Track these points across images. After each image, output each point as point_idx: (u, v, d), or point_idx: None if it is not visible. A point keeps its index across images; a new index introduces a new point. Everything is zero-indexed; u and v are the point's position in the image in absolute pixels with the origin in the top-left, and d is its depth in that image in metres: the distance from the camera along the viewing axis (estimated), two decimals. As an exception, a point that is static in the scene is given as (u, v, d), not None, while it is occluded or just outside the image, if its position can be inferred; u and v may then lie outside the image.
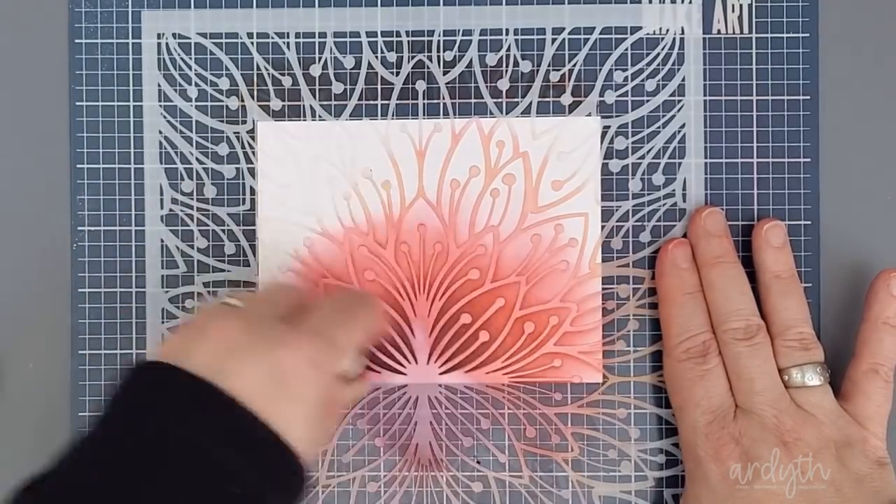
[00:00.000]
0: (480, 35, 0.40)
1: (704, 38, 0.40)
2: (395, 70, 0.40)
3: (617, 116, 0.40)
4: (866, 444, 0.36)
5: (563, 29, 0.40)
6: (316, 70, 0.40)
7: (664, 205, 0.40)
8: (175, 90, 0.40)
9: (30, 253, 0.41)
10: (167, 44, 0.40)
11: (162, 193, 0.40)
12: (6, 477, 0.41)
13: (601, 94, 0.40)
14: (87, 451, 0.29)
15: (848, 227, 0.40)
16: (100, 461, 0.28)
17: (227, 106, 0.40)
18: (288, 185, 0.40)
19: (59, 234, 0.40)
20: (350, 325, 0.34)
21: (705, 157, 0.40)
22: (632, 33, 0.40)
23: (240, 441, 0.28)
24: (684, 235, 0.40)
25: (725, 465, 0.36)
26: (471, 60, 0.40)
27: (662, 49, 0.40)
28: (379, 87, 0.40)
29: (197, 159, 0.40)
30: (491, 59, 0.40)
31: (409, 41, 0.40)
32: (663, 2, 0.40)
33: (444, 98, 0.40)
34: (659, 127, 0.40)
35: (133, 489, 0.27)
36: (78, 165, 0.40)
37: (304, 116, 0.40)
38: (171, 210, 0.40)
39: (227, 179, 0.40)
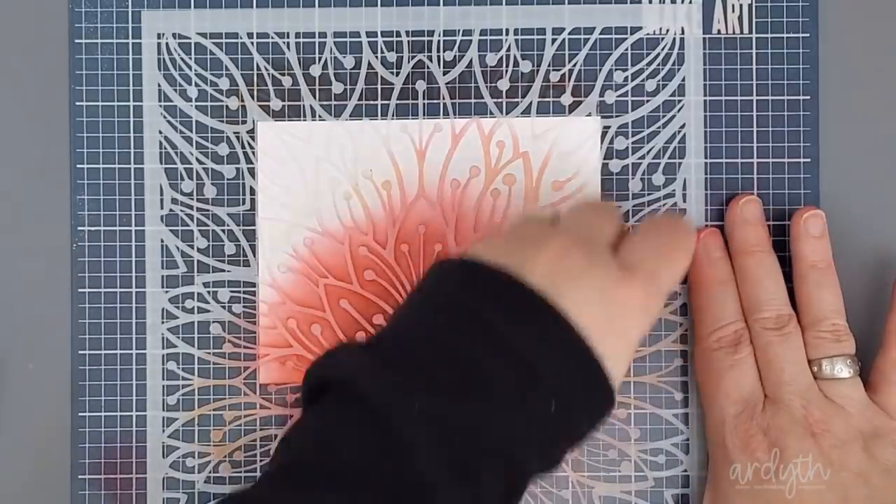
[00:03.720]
0: (480, 35, 0.40)
1: (704, 38, 0.40)
2: (395, 70, 0.40)
3: (617, 116, 0.40)
4: (895, 436, 0.36)
5: (563, 29, 0.40)
6: (316, 70, 0.40)
7: (664, 205, 0.40)
8: (175, 90, 0.40)
9: (30, 253, 0.41)
10: (167, 44, 0.40)
11: (162, 193, 0.40)
12: (7, 477, 0.41)
13: (601, 94, 0.40)
14: (417, 329, 0.29)
15: (848, 228, 0.40)
16: (431, 342, 0.28)
17: (227, 106, 0.40)
18: (288, 185, 0.40)
19: (59, 234, 0.40)
20: (674, 265, 0.32)
21: (705, 157, 0.40)
22: (632, 33, 0.40)
23: (569, 362, 0.28)
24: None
25: (753, 456, 0.36)
26: (471, 60, 0.40)
27: (662, 49, 0.40)
28: (379, 87, 0.40)
29: (197, 159, 0.40)
30: (491, 59, 0.40)
31: (409, 41, 0.40)
32: (663, 2, 0.40)
33: (444, 98, 0.40)
34: (659, 127, 0.40)
35: (452, 384, 0.27)
36: (78, 165, 0.40)
37: (304, 116, 0.40)
38: (171, 210, 0.40)
39: (227, 179, 0.40)
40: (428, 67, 0.40)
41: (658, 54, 0.40)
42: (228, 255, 0.40)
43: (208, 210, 0.40)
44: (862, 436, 0.36)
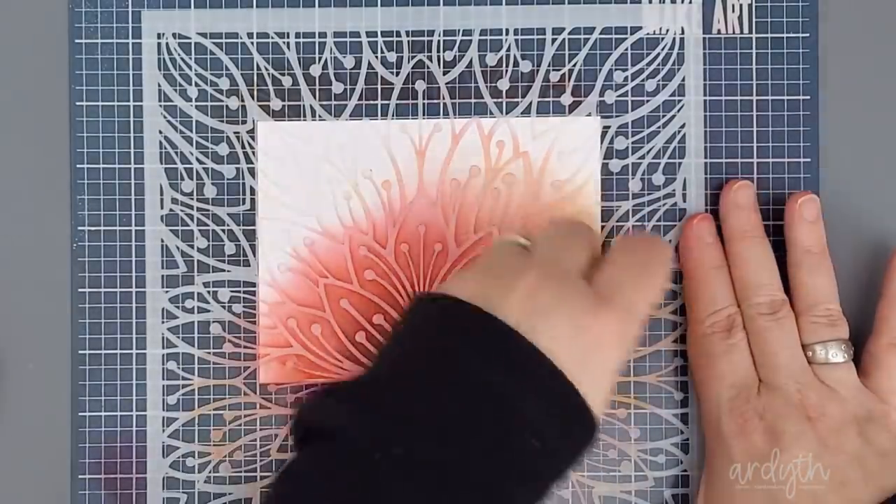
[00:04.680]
0: (480, 35, 0.40)
1: (704, 38, 0.40)
2: (395, 70, 0.40)
3: (617, 116, 0.40)
4: (888, 419, 0.36)
5: (563, 29, 0.40)
6: (316, 70, 0.40)
7: (664, 205, 0.40)
8: (175, 90, 0.40)
9: (30, 253, 0.41)
10: (167, 44, 0.40)
11: (162, 193, 0.40)
12: (7, 478, 0.41)
13: (601, 94, 0.40)
14: (391, 380, 0.29)
15: (847, 228, 0.40)
16: (404, 393, 0.28)
17: (227, 106, 0.40)
18: (288, 185, 0.40)
19: (59, 234, 0.40)
20: (649, 289, 0.32)
21: (705, 157, 0.40)
22: (632, 33, 0.40)
23: (548, 398, 0.28)
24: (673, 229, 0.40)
25: (749, 440, 0.36)
26: (471, 60, 0.40)
27: (662, 49, 0.40)
28: (379, 87, 0.40)
29: (197, 159, 0.40)
30: (491, 59, 0.40)
31: (409, 41, 0.40)
32: (663, 2, 0.40)
33: (444, 98, 0.40)
34: (659, 127, 0.40)
35: (442, 424, 0.27)
36: (78, 165, 0.40)
37: (304, 116, 0.40)
38: (171, 210, 0.40)
39: (227, 179, 0.40)
40: (428, 67, 0.40)
41: (658, 54, 0.40)
42: (228, 255, 0.40)
43: (208, 210, 0.40)
44: (856, 420, 0.36)
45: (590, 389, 0.29)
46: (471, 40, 0.40)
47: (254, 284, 0.40)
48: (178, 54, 0.40)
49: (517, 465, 0.28)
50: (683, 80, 0.40)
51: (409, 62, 0.40)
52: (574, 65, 0.40)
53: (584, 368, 0.29)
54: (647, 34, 0.40)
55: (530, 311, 0.29)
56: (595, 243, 0.34)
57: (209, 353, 0.40)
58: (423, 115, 0.40)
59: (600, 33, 0.40)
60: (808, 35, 0.40)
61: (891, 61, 0.41)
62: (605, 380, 0.30)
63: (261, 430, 0.40)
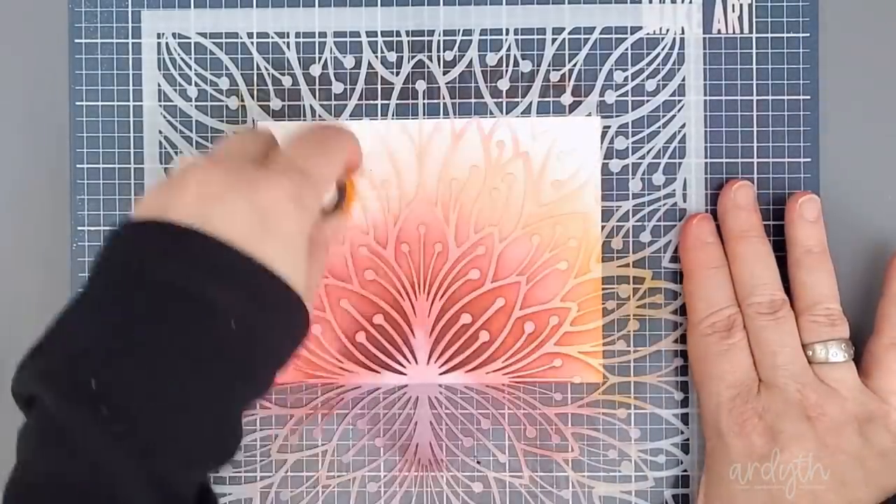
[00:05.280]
0: (480, 35, 0.40)
1: (704, 38, 0.40)
2: (395, 70, 0.40)
3: (617, 116, 0.40)
4: (888, 419, 0.36)
5: (563, 29, 0.40)
6: (316, 70, 0.40)
7: (664, 205, 0.40)
8: (175, 90, 0.40)
9: (30, 253, 0.41)
10: (167, 44, 0.40)
11: (162, 193, 0.40)
12: (7, 477, 0.41)
13: (601, 94, 0.40)
14: (78, 311, 0.29)
15: (847, 228, 0.40)
16: (92, 319, 0.28)
17: (227, 106, 0.40)
18: (288, 185, 0.40)
19: (59, 234, 0.40)
20: (325, 157, 0.33)
21: (705, 157, 0.40)
22: (632, 33, 0.40)
23: (230, 278, 0.28)
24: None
25: (749, 439, 0.36)
26: (471, 60, 0.40)
27: (662, 49, 0.40)
28: (379, 87, 0.40)
29: (197, 159, 0.40)
30: (491, 59, 0.40)
31: (409, 41, 0.40)
32: (663, 2, 0.40)
33: (444, 98, 0.40)
34: (659, 127, 0.40)
35: (129, 339, 0.27)
36: (78, 165, 0.40)
37: (304, 116, 0.40)
38: (171, 210, 0.40)
39: (227, 179, 0.40)
40: (428, 67, 0.40)
41: (658, 54, 0.40)
42: (228, 255, 0.40)
43: (208, 210, 0.40)
44: (856, 420, 0.36)
45: (276, 256, 0.29)
46: (471, 40, 0.40)
47: (254, 284, 0.40)
48: (178, 54, 0.40)
49: (221, 354, 0.28)
50: (683, 80, 0.40)
51: (409, 62, 0.40)
52: (574, 65, 0.40)
53: (266, 237, 0.29)
54: (647, 34, 0.40)
55: (202, 202, 0.29)
56: (270, 139, 0.34)
57: (209, 353, 0.40)
58: (423, 115, 0.40)
59: (600, 33, 0.40)
60: (808, 35, 0.40)
61: (890, 61, 0.41)
62: (292, 244, 0.30)
63: (261, 430, 0.40)
